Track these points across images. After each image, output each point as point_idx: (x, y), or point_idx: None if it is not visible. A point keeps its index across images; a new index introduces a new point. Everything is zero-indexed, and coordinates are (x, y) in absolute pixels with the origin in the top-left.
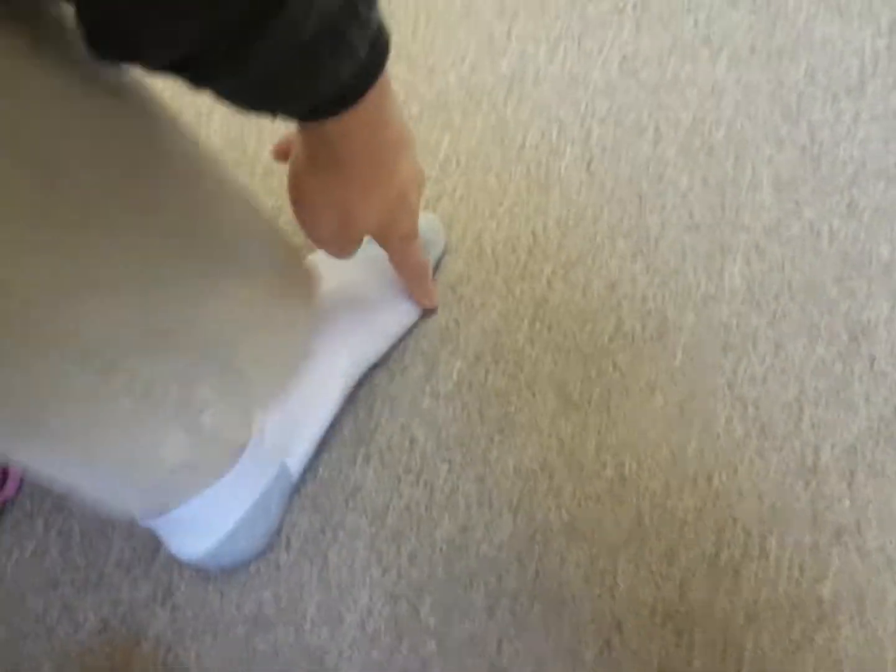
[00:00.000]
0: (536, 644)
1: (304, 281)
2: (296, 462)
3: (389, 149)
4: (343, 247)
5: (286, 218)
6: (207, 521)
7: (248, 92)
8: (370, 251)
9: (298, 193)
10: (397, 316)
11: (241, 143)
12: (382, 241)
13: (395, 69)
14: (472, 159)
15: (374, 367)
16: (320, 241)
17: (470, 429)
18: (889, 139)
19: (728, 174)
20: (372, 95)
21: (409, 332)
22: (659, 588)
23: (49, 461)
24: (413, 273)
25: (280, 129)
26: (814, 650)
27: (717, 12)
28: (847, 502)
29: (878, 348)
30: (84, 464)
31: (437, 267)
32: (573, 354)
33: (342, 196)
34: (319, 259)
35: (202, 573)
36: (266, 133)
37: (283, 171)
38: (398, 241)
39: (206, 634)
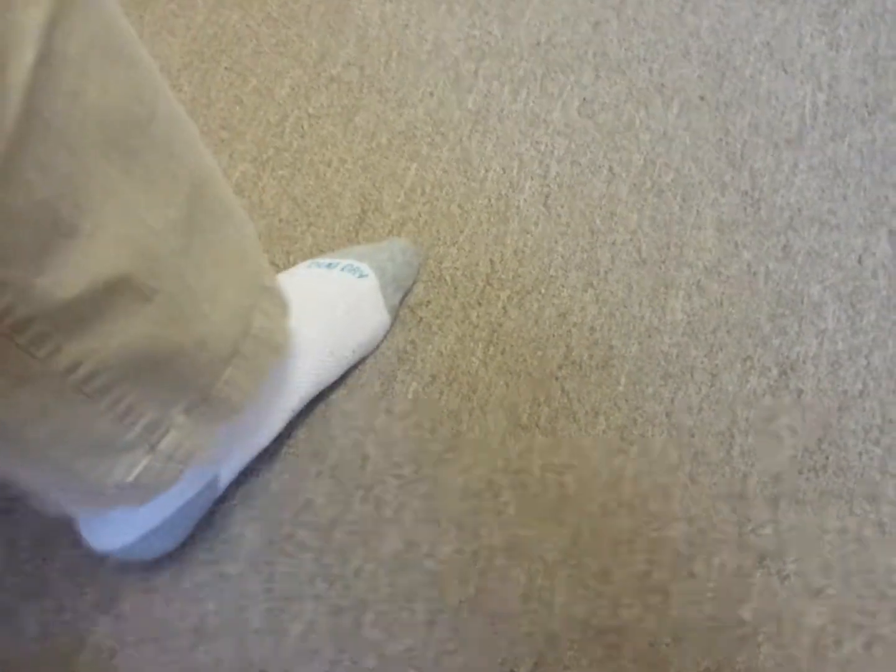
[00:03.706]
0: (473, 659)
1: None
2: (227, 474)
3: None
4: None
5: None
6: (128, 519)
7: None
8: (339, 275)
9: None
10: (362, 342)
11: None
12: None
13: (368, 99)
14: (437, 189)
15: (332, 384)
16: None
17: (421, 446)
18: (824, 188)
19: (675, 214)
20: None
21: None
22: (593, 605)
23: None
24: None
25: (251, 148)
26: (734, 669)
27: (671, 63)
28: (770, 528)
29: (805, 383)
30: (27, 466)
31: (406, 294)
32: (524, 379)
33: None
34: (285, 278)
35: (149, 583)
36: (237, 153)
37: (252, 189)
38: None
39: (149, 643)
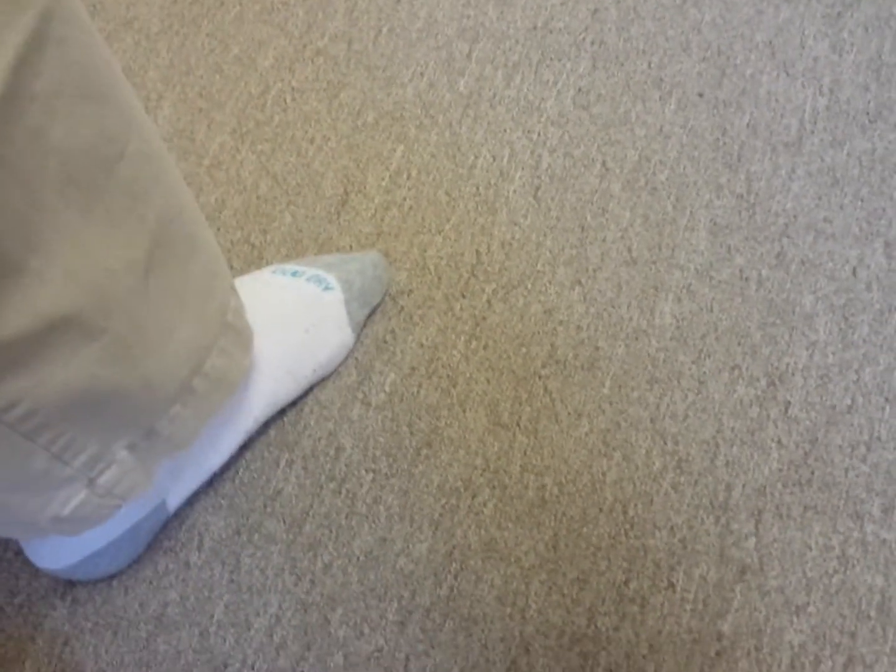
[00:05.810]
0: (444, 662)
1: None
2: (175, 499)
3: None
4: None
5: (229, 212)
6: (72, 541)
7: None
8: (304, 285)
9: None
10: (322, 362)
11: (190, 132)
12: None
13: (355, 75)
14: (424, 173)
15: None
16: None
17: (398, 441)
18: (821, 195)
19: (668, 214)
20: None
21: None
22: (569, 612)
23: None
24: None
25: (230, 120)
26: None
27: (670, 57)
28: (753, 541)
29: (793, 395)
30: None
31: (373, 311)
32: (506, 375)
33: None
34: (248, 282)
35: None
36: (216, 124)
37: (230, 162)
38: None
39: (106, 631)
